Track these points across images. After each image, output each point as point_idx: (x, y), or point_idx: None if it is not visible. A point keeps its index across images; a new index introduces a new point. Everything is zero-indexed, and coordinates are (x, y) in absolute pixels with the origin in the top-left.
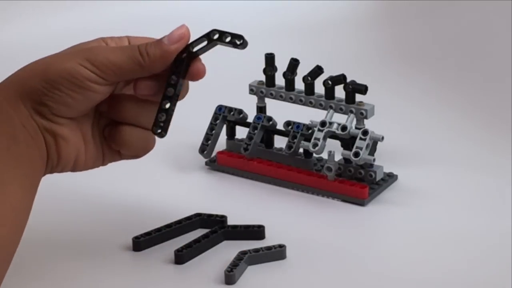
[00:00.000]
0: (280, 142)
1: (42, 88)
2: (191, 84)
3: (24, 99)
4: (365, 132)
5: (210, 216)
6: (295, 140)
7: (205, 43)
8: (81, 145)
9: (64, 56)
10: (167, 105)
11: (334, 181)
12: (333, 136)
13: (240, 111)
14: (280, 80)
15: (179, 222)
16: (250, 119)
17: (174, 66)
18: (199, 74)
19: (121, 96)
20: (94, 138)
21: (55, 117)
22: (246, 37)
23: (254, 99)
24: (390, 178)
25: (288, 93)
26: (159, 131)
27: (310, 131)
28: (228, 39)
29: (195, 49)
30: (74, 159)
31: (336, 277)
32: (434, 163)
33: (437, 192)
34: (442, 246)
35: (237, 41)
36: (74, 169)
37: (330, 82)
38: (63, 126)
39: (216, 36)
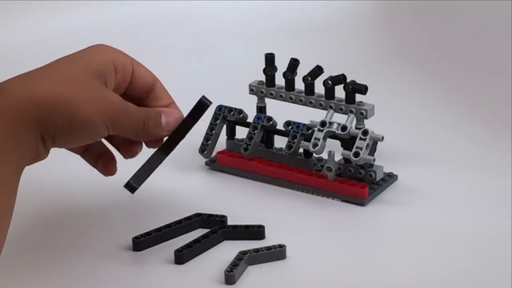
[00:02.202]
0: (280, 142)
1: (63, 129)
2: (191, 83)
3: (41, 128)
4: (365, 132)
5: (210, 216)
6: (295, 140)
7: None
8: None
9: (93, 102)
10: (143, 168)
11: (334, 181)
12: (333, 136)
13: (240, 111)
14: (280, 80)
15: (179, 222)
16: (250, 119)
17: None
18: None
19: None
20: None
21: (50, 147)
22: (246, 37)
23: (254, 99)
24: (390, 178)
25: (288, 93)
26: (134, 185)
27: (310, 131)
28: (195, 114)
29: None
30: None
31: (336, 277)
32: (434, 163)
33: (437, 192)
34: (442, 246)
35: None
36: None
37: (330, 82)
38: (48, 152)
39: (188, 120)
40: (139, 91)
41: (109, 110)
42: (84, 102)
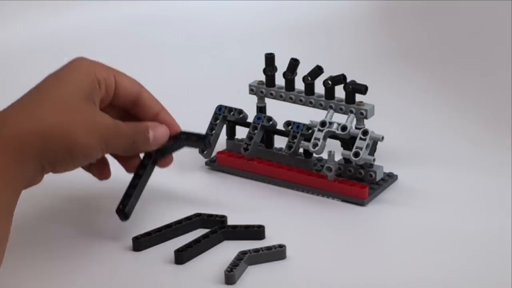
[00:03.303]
0: (280, 142)
1: (63, 157)
2: (191, 83)
3: (43, 158)
4: (365, 132)
5: (210, 216)
6: (295, 140)
7: (172, 143)
8: None
9: (89, 129)
10: (132, 193)
11: (334, 181)
12: (333, 136)
13: (240, 111)
14: (280, 80)
15: (179, 222)
16: (250, 119)
17: (142, 159)
18: (165, 165)
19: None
20: None
21: (47, 173)
22: (246, 37)
23: (254, 99)
24: (390, 178)
25: (288, 93)
26: (122, 213)
27: (310, 131)
28: (193, 142)
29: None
30: None
31: (336, 277)
32: (434, 163)
33: (437, 192)
34: (442, 246)
35: (202, 146)
36: None
37: (330, 82)
38: (42, 177)
39: (183, 137)
40: (124, 102)
41: (103, 133)
42: (81, 130)
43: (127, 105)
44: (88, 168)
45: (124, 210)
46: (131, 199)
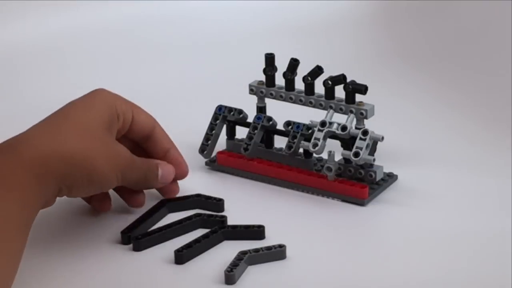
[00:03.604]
0: (280, 142)
1: (81, 182)
2: (191, 83)
3: (62, 181)
4: (365, 132)
5: (210, 216)
6: (295, 140)
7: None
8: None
9: (108, 158)
10: (140, 223)
11: (334, 181)
12: (333, 136)
13: (240, 111)
14: (280, 80)
15: (179, 222)
16: (250, 119)
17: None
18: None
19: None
20: None
21: (62, 196)
22: (246, 37)
23: (254, 99)
24: (390, 178)
25: (288, 93)
26: (125, 237)
27: (310, 131)
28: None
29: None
30: None
31: (336, 277)
32: (434, 163)
33: (437, 192)
34: (442, 246)
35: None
36: None
37: (330, 82)
38: (55, 200)
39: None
40: (138, 135)
41: (121, 164)
42: (101, 158)
43: (140, 139)
44: (89, 200)
45: (128, 235)
46: (138, 228)
